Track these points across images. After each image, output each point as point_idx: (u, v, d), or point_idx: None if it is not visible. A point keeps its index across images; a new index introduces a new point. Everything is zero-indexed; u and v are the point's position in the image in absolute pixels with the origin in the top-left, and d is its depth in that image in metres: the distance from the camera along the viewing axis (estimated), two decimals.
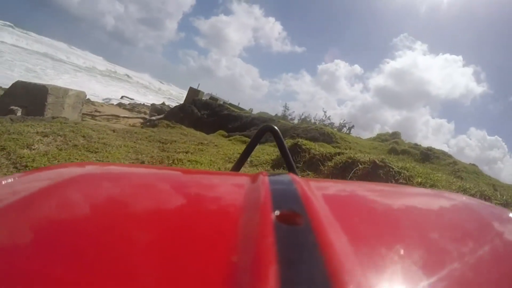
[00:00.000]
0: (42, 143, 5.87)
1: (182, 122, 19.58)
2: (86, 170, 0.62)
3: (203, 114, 23.00)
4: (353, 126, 40.84)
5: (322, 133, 16.15)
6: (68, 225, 0.38)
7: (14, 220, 0.38)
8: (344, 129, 39.06)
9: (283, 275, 0.26)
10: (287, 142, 12.75)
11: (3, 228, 0.36)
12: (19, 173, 0.58)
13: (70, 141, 6.37)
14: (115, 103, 33.13)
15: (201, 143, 9.59)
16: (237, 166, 1.36)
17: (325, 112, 43.02)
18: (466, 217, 0.57)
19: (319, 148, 7.72)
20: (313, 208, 0.39)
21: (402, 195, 0.69)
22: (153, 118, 23.53)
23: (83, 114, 17.18)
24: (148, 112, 29.76)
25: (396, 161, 5.67)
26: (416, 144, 20.00)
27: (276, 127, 1.37)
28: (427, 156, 17.41)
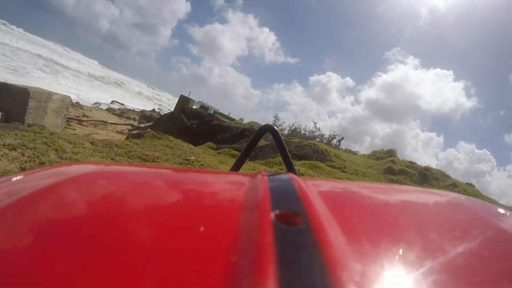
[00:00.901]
0: (6, 158, 5.13)
1: (170, 131, 19.08)
2: (86, 170, 0.61)
3: (193, 123, 22.34)
4: (342, 138, 40.64)
5: (316, 150, 15.38)
6: (68, 225, 0.38)
7: (14, 220, 0.38)
8: (334, 141, 39.02)
9: (282, 275, 0.27)
10: (279, 160, 12.54)
11: (2, 228, 0.37)
12: (18, 173, 0.58)
13: (39, 156, 5.58)
14: (104, 108, 32.17)
15: (187, 159, 8.82)
16: (237, 166, 1.35)
17: (315, 123, 42.68)
18: (464, 216, 0.57)
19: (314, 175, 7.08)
20: (312, 208, 0.40)
21: (401, 195, 0.70)
22: (141, 125, 22.79)
23: (69, 118, 16.49)
24: (137, 118, 29.03)
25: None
26: (411, 163, 19.39)
27: (275, 127, 1.37)
28: (425, 177, 16.87)
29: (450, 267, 0.35)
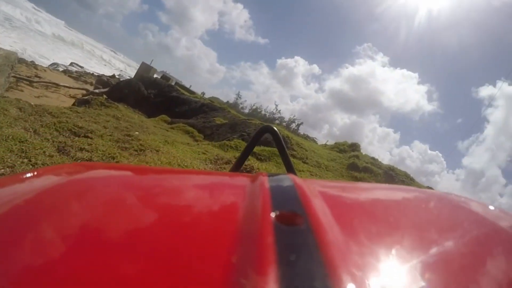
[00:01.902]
0: None
1: (126, 99, 17.91)
2: (85, 171, 0.61)
3: (150, 93, 20.75)
4: (302, 123, 41.42)
5: None
6: (66, 227, 0.38)
7: (14, 221, 0.38)
8: (293, 125, 39.57)
9: (283, 275, 0.27)
10: (234, 143, 11.54)
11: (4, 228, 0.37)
12: (18, 173, 0.58)
13: None
14: (61, 70, 30.12)
15: (128, 134, 7.65)
16: (236, 166, 1.39)
17: (276, 105, 42.56)
18: (464, 216, 0.57)
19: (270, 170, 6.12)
20: (312, 209, 0.40)
21: (401, 195, 0.69)
22: (96, 91, 20.97)
23: (19, 78, 15.33)
24: (94, 83, 27.07)
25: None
26: (374, 159, 18.49)
27: (275, 128, 1.39)
28: (391, 178, 15.99)
29: (450, 267, 0.36)
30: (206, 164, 7.33)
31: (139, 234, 0.36)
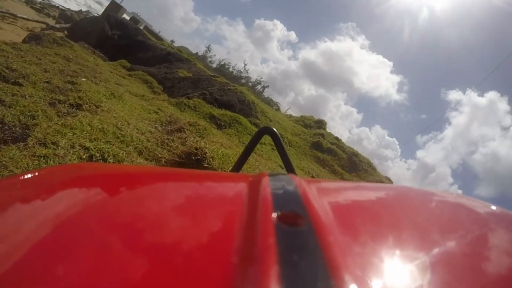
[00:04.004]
0: None
1: (87, 38, 16.32)
2: (86, 171, 0.62)
3: (114, 34, 18.98)
4: (267, 86, 40.58)
5: (242, 99, 12.50)
6: (69, 226, 0.38)
7: (21, 219, 0.39)
8: (259, 87, 38.82)
9: (285, 276, 0.27)
10: (194, 103, 10.24)
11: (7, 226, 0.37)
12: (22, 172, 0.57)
13: None
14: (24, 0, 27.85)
15: (71, 81, 6.25)
16: (237, 166, 1.37)
17: (245, 64, 41.25)
18: (465, 216, 0.57)
19: (221, 156, 5.00)
20: (314, 209, 0.39)
21: (401, 195, 0.68)
22: (57, 26, 19.16)
23: None
24: (57, 17, 24.85)
25: None
26: (338, 139, 17.65)
27: (275, 129, 1.41)
28: (354, 165, 15.27)
29: (451, 268, 0.36)
30: (154, 127, 6.14)
31: (140, 234, 0.36)
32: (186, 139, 5.56)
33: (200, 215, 0.43)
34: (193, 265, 0.30)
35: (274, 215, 0.36)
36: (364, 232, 0.40)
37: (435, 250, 0.39)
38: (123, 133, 4.60)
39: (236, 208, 0.44)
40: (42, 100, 4.85)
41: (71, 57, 9.44)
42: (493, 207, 0.59)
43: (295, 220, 0.36)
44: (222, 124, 9.77)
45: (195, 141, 5.33)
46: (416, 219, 0.51)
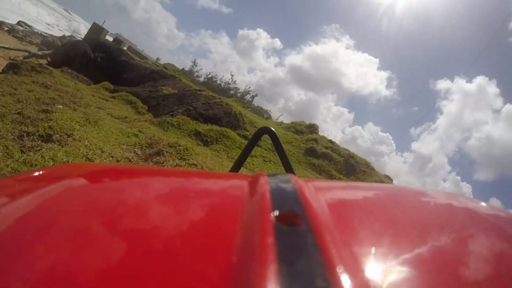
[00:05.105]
0: None
1: (70, 63, 15.79)
2: (87, 171, 0.62)
3: (97, 57, 18.42)
4: (256, 95, 39.55)
5: (228, 112, 11.83)
6: (71, 226, 0.38)
7: (22, 218, 0.38)
8: (248, 97, 38.04)
9: (283, 276, 0.27)
10: (177, 120, 9.78)
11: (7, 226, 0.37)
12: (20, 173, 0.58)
13: None
14: (6, 29, 27.14)
15: (46, 110, 5.75)
16: (236, 167, 1.37)
17: (232, 75, 40.93)
18: (465, 217, 0.57)
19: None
20: (312, 209, 0.40)
21: (400, 195, 0.67)
22: (39, 53, 18.93)
23: None
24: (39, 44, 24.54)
25: None
26: (332, 142, 16.87)
27: (273, 130, 1.41)
28: (352, 167, 14.73)
29: (450, 267, 0.36)
30: (133, 152, 5.70)
31: (139, 234, 0.36)
32: (164, 164, 5.15)
33: (199, 214, 0.43)
34: (192, 264, 0.30)
35: (273, 215, 0.37)
36: (363, 232, 0.41)
37: (434, 250, 0.39)
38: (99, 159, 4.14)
39: (235, 208, 0.44)
40: (9, 133, 4.49)
41: (49, 84, 9.03)
42: (485, 205, 0.60)
43: (294, 220, 0.36)
44: (209, 140, 9.34)
45: (174, 165, 4.94)
46: (413, 218, 0.51)
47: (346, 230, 0.39)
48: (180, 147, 6.26)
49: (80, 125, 5.68)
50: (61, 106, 6.86)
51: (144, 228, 0.38)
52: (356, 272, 0.30)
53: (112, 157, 4.95)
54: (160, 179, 0.61)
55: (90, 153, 4.55)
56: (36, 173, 0.56)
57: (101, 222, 0.39)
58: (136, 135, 6.79)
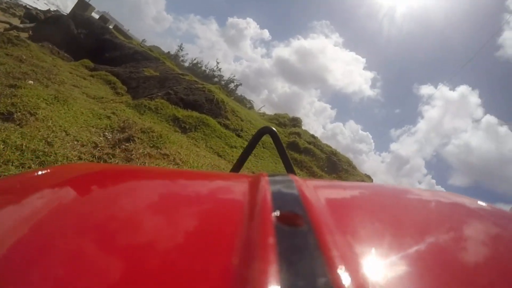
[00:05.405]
0: None
1: (52, 38, 15.32)
2: (88, 171, 0.61)
3: (80, 33, 17.90)
4: (240, 84, 40.03)
5: (210, 98, 11.24)
6: (70, 226, 0.38)
7: (21, 218, 0.38)
8: (232, 85, 38.25)
9: (284, 276, 0.27)
10: (155, 104, 9.25)
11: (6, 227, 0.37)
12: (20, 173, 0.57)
13: None
14: None
15: (15, 85, 5.37)
16: (237, 167, 1.35)
17: (218, 63, 40.83)
18: (465, 216, 0.56)
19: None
20: (313, 210, 0.39)
21: (400, 195, 0.66)
22: (21, 25, 18.32)
23: None
24: (22, 17, 23.70)
25: None
26: (314, 137, 16.64)
27: (274, 129, 1.40)
28: (334, 165, 14.44)
29: (450, 267, 0.36)
30: (100, 136, 5.16)
31: (140, 234, 0.36)
32: (132, 152, 4.66)
33: (200, 215, 0.43)
34: (193, 265, 0.30)
35: (274, 215, 0.36)
36: (363, 232, 0.40)
37: (433, 248, 0.39)
38: (46, 150, 3.68)
39: (236, 208, 0.44)
40: None
41: (24, 57, 8.59)
42: (484, 204, 0.59)
43: (295, 220, 0.36)
44: (187, 127, 8.91)
45: (144, 154, 4.57)
46: (413, 218, 0.50)
47: (347, 231, 0.38)
48: (154, 134, 5.76)
49: (47, 103, 5.24)
50: (32, 82, 6.42)
51: (146, 228, 0.38)
52: (357, 272, 0.29)
53: (77, 140, 4.49)
54: (161, 180, 0.61)
55: (51, 136, 4.08)
56: (37, 173, 0.55)
57: (101, 222, 0.39)
58: (109, 117, 6.29)
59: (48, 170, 0.58)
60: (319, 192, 0.51)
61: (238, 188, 0.55)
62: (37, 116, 4.50)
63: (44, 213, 0.39)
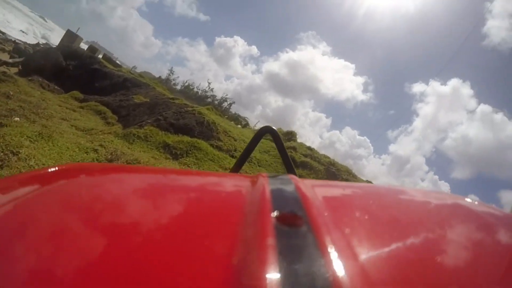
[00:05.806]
0: None
1: (42, 71, 15.33)
2: (85, 171, 0.61)
3: (69, 65, 17.81)
4: (234, 103, 40.82)
5: (201, 121, 10.97)
6: (69, 226, 0.38)
7: (16, 220, 0.39)
8: (225, 104, 39.03)
9: (284, 276, 0.27)
10: (144, 132, 9.10)
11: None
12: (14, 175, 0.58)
13: None
14: None
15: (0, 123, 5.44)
16: (237, 167, 1.34)
17: (209, 83, 41.22)
18: (466, 218, 0.56)
19: None
20: (312, 210, 0.40)
21: (401, 196, 0.66)
22: (10, 60, 18.25)
23: None
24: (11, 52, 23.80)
25: None
26: (311, 149, 16.24)
27: (275, 128, 1.37)
28: (333, 176, 13.88)
29: (449, 267, 0.36)
30: None
31: (140, 234, 0.36)
32: None
33: (200, 215, 0.43)
34: (193, 265, 0.30)
35: (273, 215, 0.37)
36: (363, 233, 0.40)
37: (433, 249, 0.39)
38: None
39: (235, 208, 0.44)
40: None
41: (11, 93, 8.45)
42: (491, 209, 0.58)
43: (294, 220, 0.36)
44: (178, 152, 8.71)
45: None
46: (413, 218, 0.50)
47: (347, 231, 0.38)
48: (140, 164, 5.61)
49: (31, 141, 5.13)
50: (18, 119, 6.32)
51: (145, 229, 0.37)
52: (357, 273, 0.30)
53: None
54: (161, 179, 0.61)
55: None
56: (36, 173, 0.55)
57: (101, 222, 0.39)
58: (96, 151, 6.15)
59: (51, 170, 0.56)
60: (318, 192, 0.51)
61: (238, 188, 0.55)
62: (19, 155, 4.41)
63: (38, 213, 0.39)
